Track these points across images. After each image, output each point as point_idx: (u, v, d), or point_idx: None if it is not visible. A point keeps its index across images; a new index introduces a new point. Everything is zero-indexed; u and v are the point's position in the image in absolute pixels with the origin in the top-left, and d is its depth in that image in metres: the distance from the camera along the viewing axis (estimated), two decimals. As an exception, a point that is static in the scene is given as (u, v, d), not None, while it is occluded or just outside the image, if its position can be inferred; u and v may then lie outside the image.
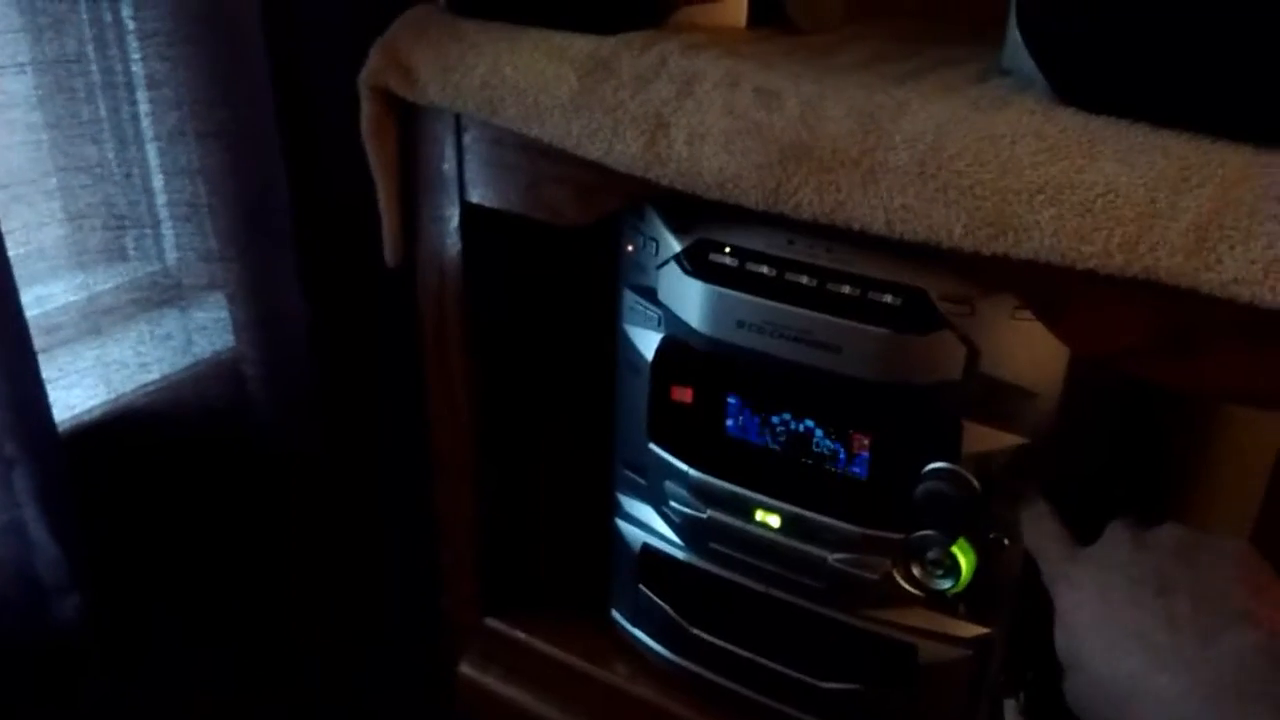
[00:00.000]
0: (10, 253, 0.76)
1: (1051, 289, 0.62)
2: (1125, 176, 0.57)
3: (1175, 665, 0.55)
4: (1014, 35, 0.67)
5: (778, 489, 0.82)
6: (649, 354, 0.84)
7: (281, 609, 1.12)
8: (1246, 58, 0.55)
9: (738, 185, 0.68)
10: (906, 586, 0.79)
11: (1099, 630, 0.60)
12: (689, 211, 0.78)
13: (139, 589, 0.97)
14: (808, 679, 0.87)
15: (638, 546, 0.93)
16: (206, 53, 0.86)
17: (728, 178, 0.68)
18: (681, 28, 0.77)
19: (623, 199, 0.78)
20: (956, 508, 0.73)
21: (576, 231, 0.81)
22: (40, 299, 0.89)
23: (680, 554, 0.90)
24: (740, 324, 0.75)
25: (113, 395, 0.92)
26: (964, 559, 0.75)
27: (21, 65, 0.82)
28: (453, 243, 0.87)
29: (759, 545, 0.84)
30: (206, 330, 0.97)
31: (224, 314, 0.96)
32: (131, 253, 0.93)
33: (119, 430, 0.92)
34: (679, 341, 0.82)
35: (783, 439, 0.81)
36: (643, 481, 0.91)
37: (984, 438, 0.72)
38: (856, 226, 0.65)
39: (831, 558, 0.80)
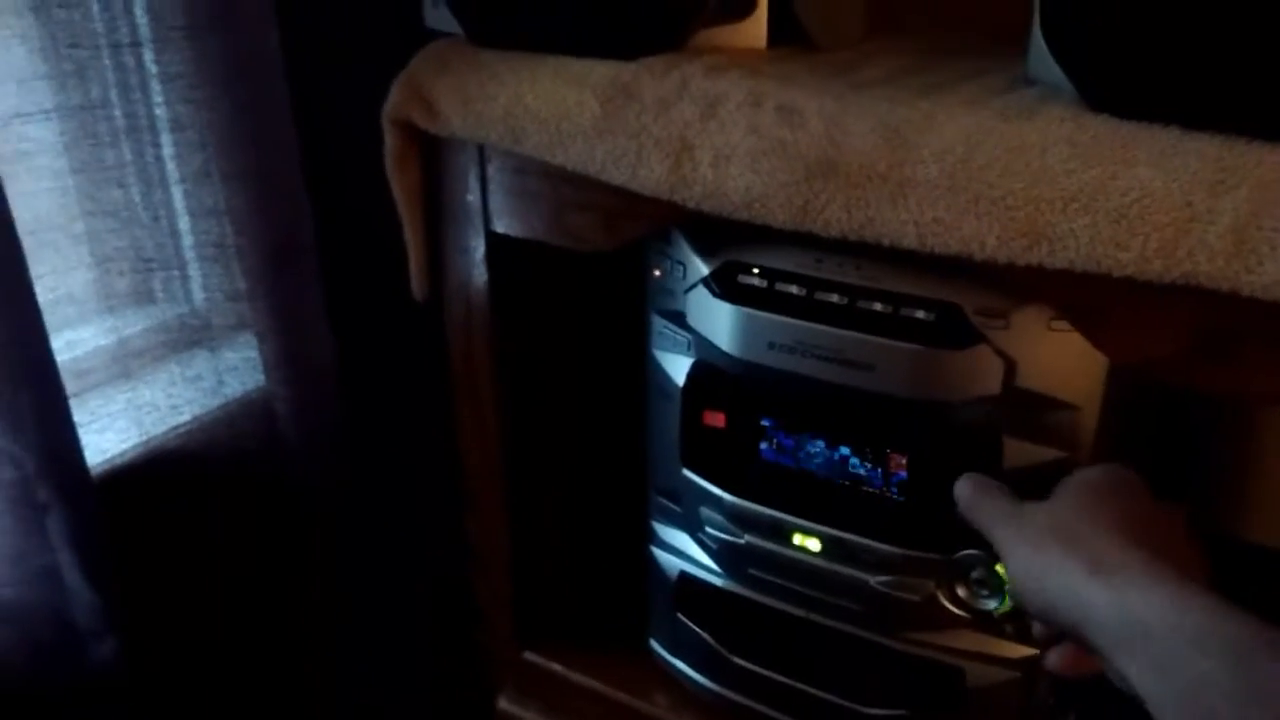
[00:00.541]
0: (40, 298, 0.76)
1: (1089, 298, 0.61)
2: (1160, 181, 0.56)
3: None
4: (1039, 44, 0.66)
5: (816, 512, 0.81)
6: (680, 379, 0.84)
7: (316, 647, 1.11)
8: (1276, 57, 0.54)
9: (765, 205, 0.67)
10: (951, 608, 0.77)
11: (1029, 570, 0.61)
12: (716, 233, 0.77)
13: (174, 632, 0.96)
14: (852, 705, 0.85)
15: (675, 574, 0.92)
16: (229, 94, 0.86)
17: (754, 197, 0.67)
18: (701, 50, 0.77)
19: (649, 223, 0.78)
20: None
21: (603, 258, 0.81)
22: (70, 343, 0.89)
23: (718, 581, 0.89)
24: (771, 345, 0.75)
25: (145, 438, 0.92)
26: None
27: (46, 112, 0.82)
28: (479, 273, 0.87)
29: (798, 570, 0.83)
30: (236, 370, 0.97)
31: (253, 353, 0.96)
32: (160, 295, 0.93)
33: (152, 473, 0.92)
34: (710, 365, 0.81)
35: (818, 461, 0.80)
36: (678, 508, 0.90)
37: (1024, 453, 0.71)
38: (887, 242, 0.64)
39: (873, 580, 0.79)
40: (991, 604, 0.75)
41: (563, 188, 0.79)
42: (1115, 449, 0.72)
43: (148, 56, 0.85)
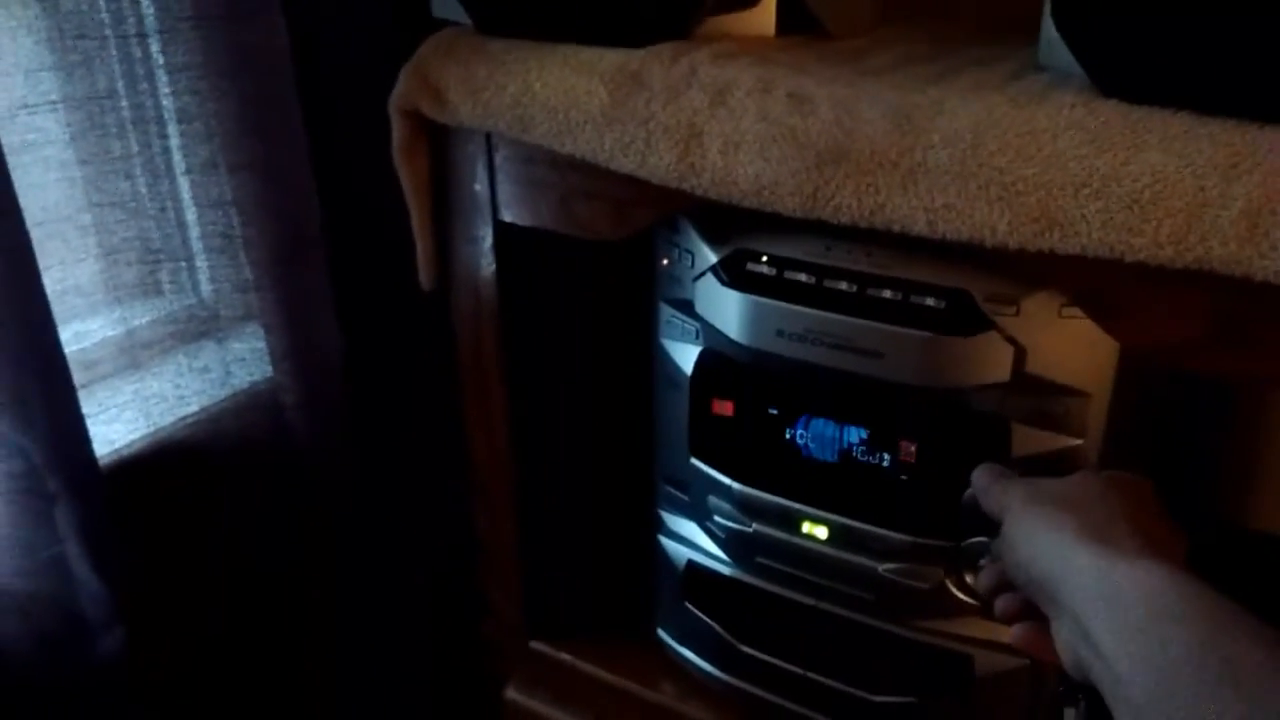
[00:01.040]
0: (48, 289, 0.76)
1: (1100, 284, 0.61)
2: (1172, 166, 0.56)
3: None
4: (1049, 31, 0.66)
5: (824, 500, 0.81)
6: (688, 368, 0.84)
7: (321, 638, 1.11)
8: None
9: (774, 192, 0.67)
10: (960, 595, 0.77)
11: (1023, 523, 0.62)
12: (724, 222, 0.77)
13: (181, 623, 0.96)
14: (861, 693, 0.85)
15: (682, 563, 0.92)
16: (236, 85, 0.86)
17: (764, 185, 0.67)
18: (710, 37, 0.77)
19: (657, 211, 0.78)
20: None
21: (611, 247, 0.81)
22: (78, 335, 0.89)
23: (726, 569, 0.89)
24: (780, 333, 0.74)
25: (152, 428, 0.92)
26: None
27: (53, 103, 0.82)
28: (487, 263, 0.87)
29: (807, 558, 0.83)
30: (244, 361, 0.97)
31: (261, 344, 0.96)
32: (167, 286, 0.93)
33: (159, 463, 0.92)
34: (718, 354, 0.81)
35: (827, 449, 0.80)
36: (685, 497, 0.90)
37: (1034, 439, 0.71)
38: (897, 228, 0.64)
39: (882, 568, 0.79)
40: (1001, 591, 0.75)
41: (571, 176, 0.79)
42: (1124, 436, 0.72)
43: (154, 47, 0.85)
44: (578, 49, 0.76)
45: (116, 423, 0.90)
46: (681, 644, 0.97)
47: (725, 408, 0.84)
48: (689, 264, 0.80)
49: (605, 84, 0.73)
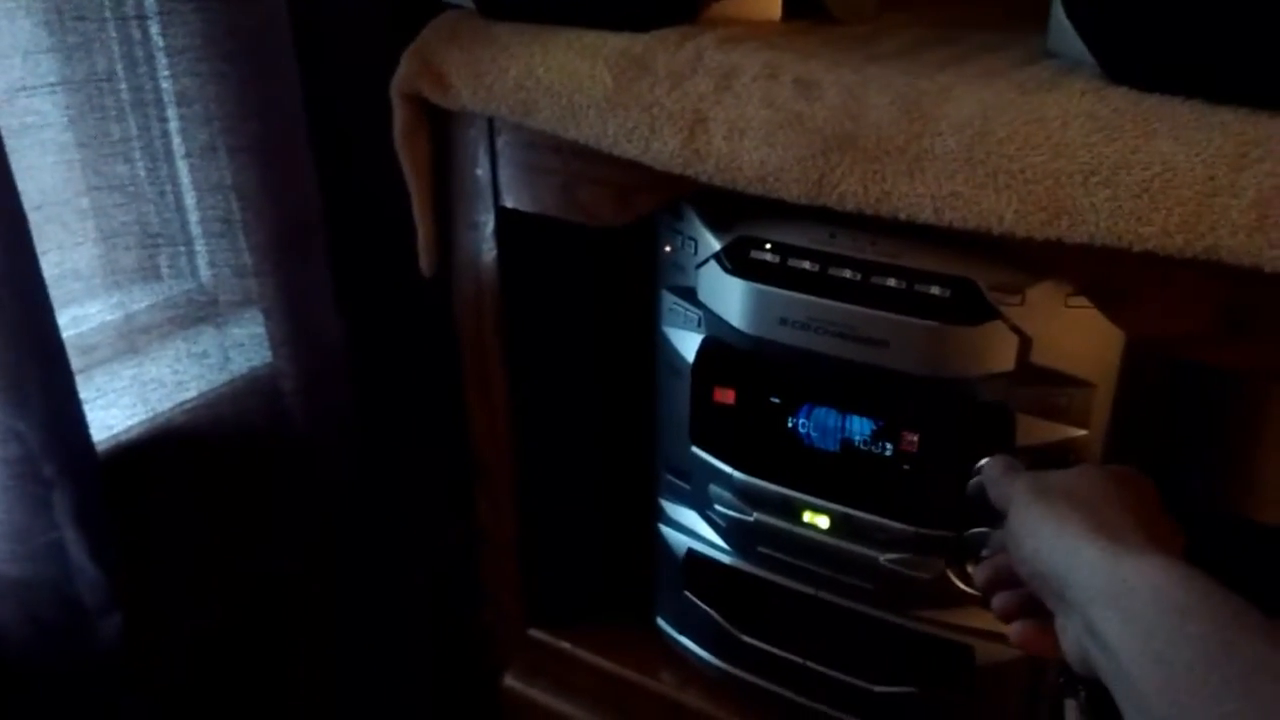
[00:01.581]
0: (46, 273, 0.76)
1: (1108, 273, 0.61)
2: (1182, 154, 0.55)
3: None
4: (1059, 17, 0.65)
5: (826, 489, 0.80)
6: (689, 356, 0.83)
7: (319, 626, 1.11)
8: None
9: (779, 179, 0.67)
10: (961, 586, 0.77)
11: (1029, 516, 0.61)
12: (728, 209, 0.77)
13: (178, 609, 0.96)
14: (861, 683, 0.85)
15: (682, 552, 0.92)
16: (236, 67, 0.85)
17: (769, 171, 0.67)
18: (716, 22, 0.76)
19: (661, 198, 0.77)
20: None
21: (613, 234, 0.80)
22: (76, 319, 0.88)
23: (726, 558, 0.89)
24: (783, 321, 0.74)
25: (151, 414, 0.91)
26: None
27: (52, 85, 0.81)
28: (488, 249, 0.86)
29: (808, 547, 0.82)
30: (243, 346, 0.96)
31: (260, 330, 0.95)
32: (166, 271, 0.92)
33: (158, 449, 0.91)
34: (720, 342, 0.81)
35: (829, 438, 0.79)
36: (686, 486, 0.89)
37: (1038, 430, 0.71)
38: (903, 216, 0.63)
39: (883, 558, 0.79)
40: (1003, 582, 0.75)
41: (573, 162, 0.79)
42: (1129, 427, 0.71)
43: (154, 29, 0.84)
44: (582, 32, 0.75)
45: (114, 408, 0.89)
46: (681, 633, 0.97)
47: (727, 396, 0.83)
48: (692, 251, 0.79)
49: (609, 68, 0.72)
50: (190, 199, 0.91)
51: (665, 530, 0.93)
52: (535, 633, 1.03)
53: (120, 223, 0.88)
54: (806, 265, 0.73)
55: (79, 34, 0.81)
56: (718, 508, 0.86)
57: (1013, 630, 0.65)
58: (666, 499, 0.93)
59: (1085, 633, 0.54)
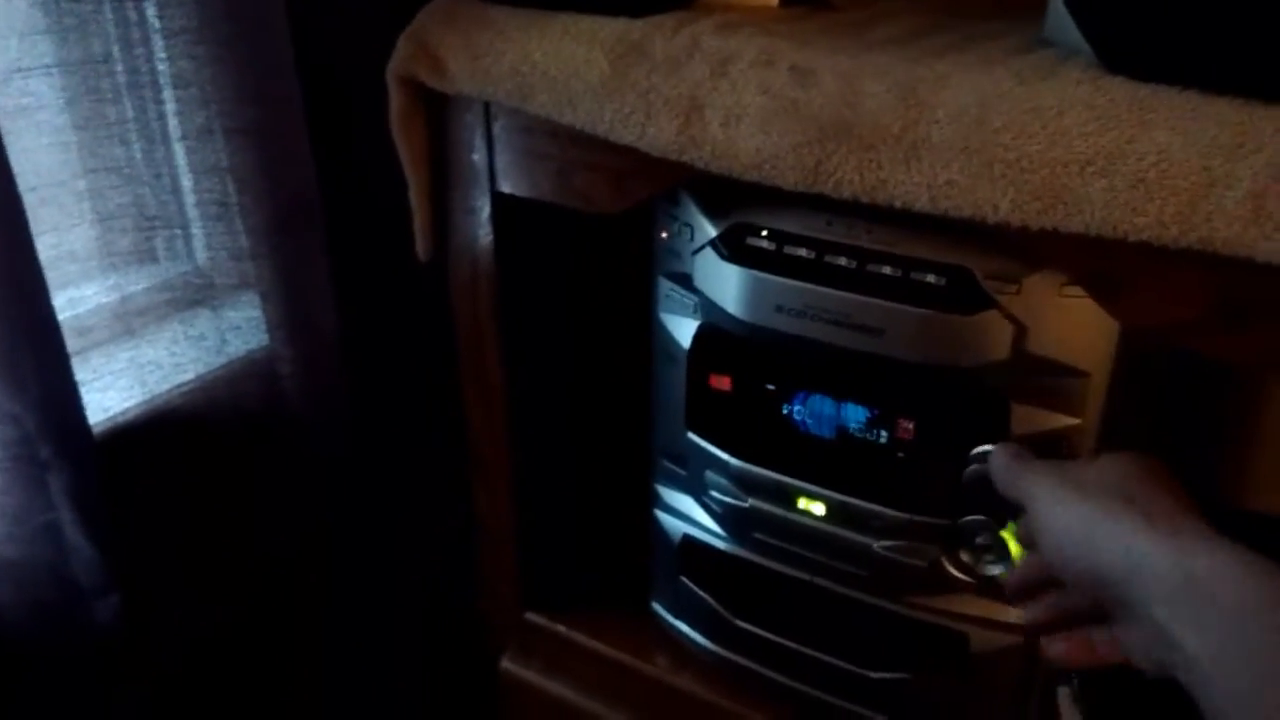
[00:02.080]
0: (41, 255, 0.76)
1: (1103, 263, 0.61)
2: (1178, 145, 0.55)
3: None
4: (1056, 5, 0.65)
5: (821, 476, 0.80)
6: (686, 342, 0.83)
7: (315, 609, 1.12)
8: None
9: (775, 166, 0.66)
10: (956, 573, 0.77)
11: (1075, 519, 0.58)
12: (724, 195, 0.76)
13: (175, 590, 0.96)
14: (855, 669, 0.85)
15: (678, 538, 0.92)
16: (233, 49, 0.85)
17: (765, 158, 0.67)
18: (713, 8, 0.76)
19: (657, 184, 0.77)
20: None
21: (609, 220, 0.80)
22: (73, 301, 0.88)
23: (722, 544, 0.89)
24: (779, 308, 0.74)
25: (147, 396, 0.91)
26: (1014, 544, 0.73)
27: (48, 67, 0.81)
28: (485, 234, 0.86)
29: (803, 534, 0.82)
30: (240, 329, 0.96)
31: (257, 313, 0.95)
32: (162, 253, 0.92)
33: (154, 431, 0.91)
34: (716, 328, 0.81)
35: (824, 425, 0.80)
36: (682, 472, 0.90)
37: (1033, 419, 0.71)
38: (899, 204, 0.63)
39: (877, 545, 0.79)
40: (996, 569, 0.75)
41: (570, 147, 0.79)
42: (1123, 416, 0.71)
43: (150, 11, 0.84)
44: (578, 17, 0.75)
45: (111, 390, 0.89)
46: (676, 617, 0.97)
47: (723, 383, 0.83)
48: (688, 237, 0.79)
49: (606, 54, 0.72)
50: (187, 181, 0.90)
51: (661, 516, 0.94)
52: (532, 616, 1.03)
53: (116, 205, 0.88)
54: (802, 252, 0.73)
55: (75, 15, 0.81)
56: (713, 494, 0.86)
57: (1053, 649, 0.62)
58: (662, 485, 0.93)
59: (1154, 636, 0.51)
